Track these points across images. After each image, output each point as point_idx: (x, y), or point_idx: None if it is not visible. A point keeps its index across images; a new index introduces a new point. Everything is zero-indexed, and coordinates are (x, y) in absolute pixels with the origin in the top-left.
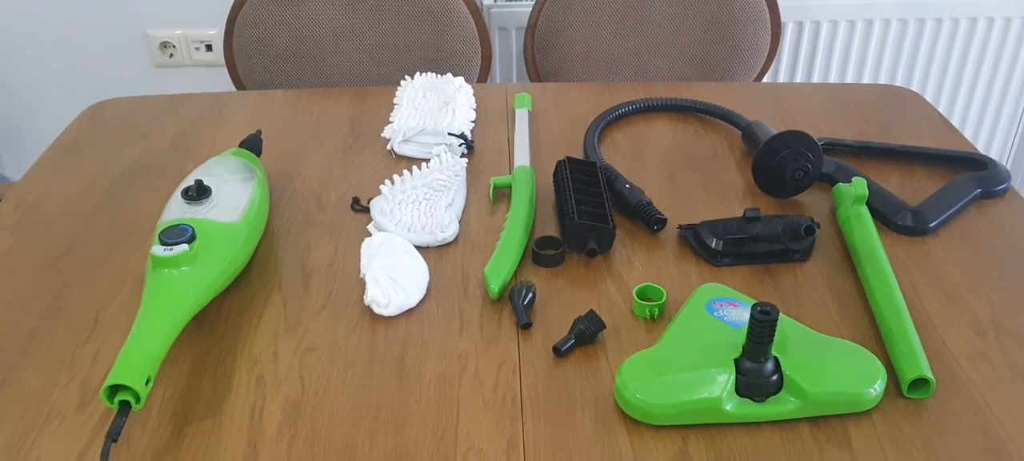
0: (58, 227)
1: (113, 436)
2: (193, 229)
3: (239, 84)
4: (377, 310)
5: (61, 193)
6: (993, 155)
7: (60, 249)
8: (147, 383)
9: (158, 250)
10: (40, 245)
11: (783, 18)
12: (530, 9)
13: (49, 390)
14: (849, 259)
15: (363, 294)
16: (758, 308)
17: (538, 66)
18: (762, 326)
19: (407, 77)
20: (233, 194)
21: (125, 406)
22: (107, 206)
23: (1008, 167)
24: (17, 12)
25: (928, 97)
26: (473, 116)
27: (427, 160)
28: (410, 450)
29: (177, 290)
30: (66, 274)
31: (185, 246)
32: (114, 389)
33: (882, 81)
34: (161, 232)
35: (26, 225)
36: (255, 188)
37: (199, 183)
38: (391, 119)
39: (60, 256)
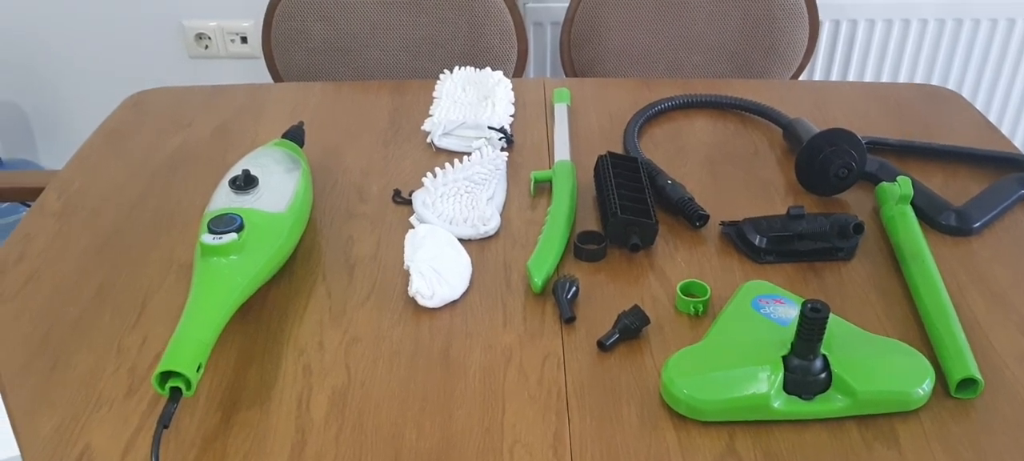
0: (103, 214)
1: (165, 422)
2: (242, 218)
3: (276, 76)
4: (421, 302)
5: (105, 181)
6: None
7: (105, 236)
8: (198, 370)
9: (207, 239)
10: (85, 232)
11: (821, 16)
12: (566, 4)
13: (98, 376)
14: (893, 258)
15: (407, 285)
16: (809, 305)
17: (574, 61)
18: (813, 323)
19: (446, 71)
20: (279, 185)
21: (176, 392)
22: (151, 194)
23: None
24: (53, 2)
25: (965, 97)
26: (512, 110)
27: (467, 153)
28: (457, 442)
29: (226, 278)
30: (112, 261)
31: (234, 235)
32: (165, 375)
33: (919, 81)
34: (210, 221)
35: (71, 212)
36: (300, 179)
37: (247, 173)
38: (431, 112)
39: (105, 243)
